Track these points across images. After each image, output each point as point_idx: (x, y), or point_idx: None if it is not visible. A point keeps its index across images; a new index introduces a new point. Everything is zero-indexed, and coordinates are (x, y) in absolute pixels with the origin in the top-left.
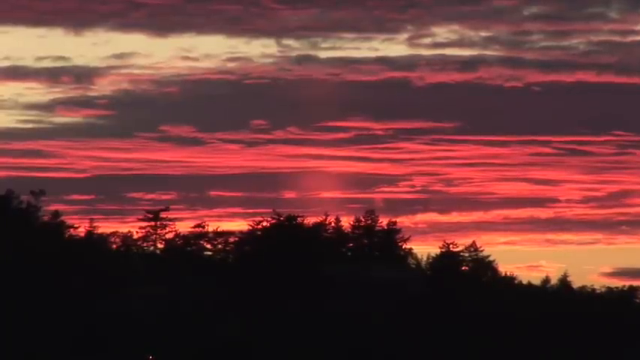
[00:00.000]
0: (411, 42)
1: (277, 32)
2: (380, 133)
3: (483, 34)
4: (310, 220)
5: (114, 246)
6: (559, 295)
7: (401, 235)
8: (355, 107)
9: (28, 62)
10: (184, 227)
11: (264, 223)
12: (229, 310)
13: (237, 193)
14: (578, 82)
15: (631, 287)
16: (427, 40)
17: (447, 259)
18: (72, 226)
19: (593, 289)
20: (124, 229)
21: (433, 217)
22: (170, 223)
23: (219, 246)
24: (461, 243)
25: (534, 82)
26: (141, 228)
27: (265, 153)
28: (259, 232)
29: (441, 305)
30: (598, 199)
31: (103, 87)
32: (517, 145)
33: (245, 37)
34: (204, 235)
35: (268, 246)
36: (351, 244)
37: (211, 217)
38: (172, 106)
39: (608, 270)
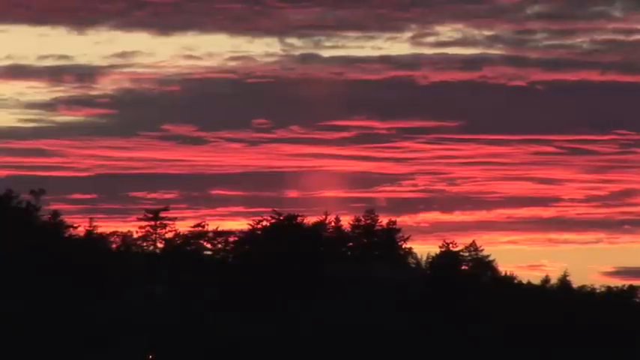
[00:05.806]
0: (414, 41)
1: (280, 31)
2: (383, 132)
3: (487, 32)
4: (311, 220)
5: (114, 245)
6: (558, 295)
7: (401, 235)
8: (358, 106)
9: (30, 61)
10: (186, 227)
11: (264, 223)
12: (229, 310)
13: (239, 192)
14: (581, 81)
15: (631, 287)
16: (430, 39)
17: (447, 258)
18: (71, 226)
19: (593, 289)
20: (125, 228)
21: (435, 216)
22: (170, 222)
23: (219, 245)
24: (463, 242)
25: (538, 81)
26: (141, 227)
27: (267, 152)
28: (259, 232)
29: (440, 305)
30: (601, 198)
31: (105, 86)
32: (520, 144)
33: (248, 35)
34: (203, 235)
35: (268, 245)
36: (351, 244)
37: (213, 216)
38: (174, 105)
39: (611, 269)
